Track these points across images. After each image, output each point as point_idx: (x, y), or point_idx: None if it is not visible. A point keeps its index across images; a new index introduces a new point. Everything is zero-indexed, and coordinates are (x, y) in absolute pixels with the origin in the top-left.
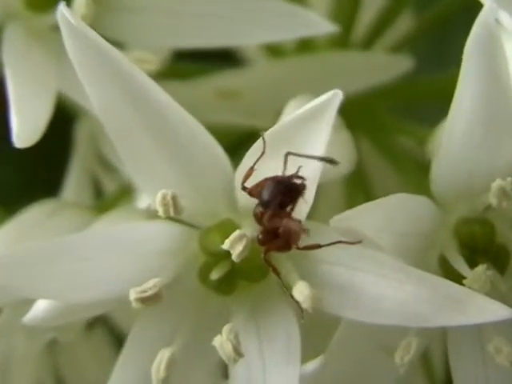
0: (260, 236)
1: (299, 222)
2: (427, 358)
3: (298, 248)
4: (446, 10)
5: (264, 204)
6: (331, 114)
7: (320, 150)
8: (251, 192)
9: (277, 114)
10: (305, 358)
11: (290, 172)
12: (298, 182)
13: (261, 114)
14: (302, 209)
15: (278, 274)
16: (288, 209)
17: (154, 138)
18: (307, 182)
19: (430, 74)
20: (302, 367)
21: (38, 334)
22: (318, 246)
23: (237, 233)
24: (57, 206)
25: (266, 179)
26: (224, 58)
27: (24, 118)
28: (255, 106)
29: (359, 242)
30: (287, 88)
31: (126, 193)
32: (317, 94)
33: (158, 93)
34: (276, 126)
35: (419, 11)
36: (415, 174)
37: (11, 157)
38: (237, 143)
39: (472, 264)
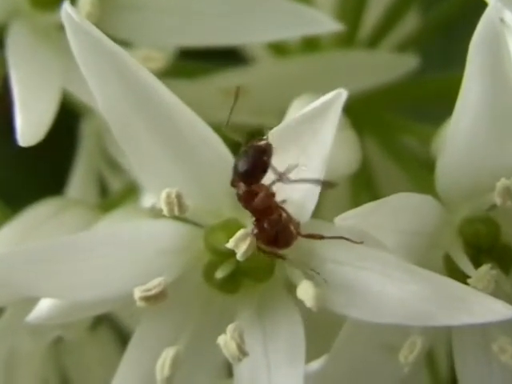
0: (255, 230)
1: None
2: (432, 356)
3: (300, 234)
4: (453, 8)
5: (240, 175)
6: (336, 113)
7: (325, 148)
8: None
9: (281, 113)
10: (309, 357)
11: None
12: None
13: (266, 112)
14: (305, 209)
15: (284, 258)
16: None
17: (158, 137)
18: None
19: (436, 72)
20: (306, 366)
21: (43, 332)
22: (321, 237)
23: (241, 232)
24: (62, 204)
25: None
26: (230, 57)
27: (28, 116)
28: (260, 104)
29: (361, 242)
30: (292, 86)
31: (131, 191)
32: (321, 93)
33: (163, 91)
34: (281, 125)
35: (425, 10)
36: (420, 172)
37: (17, 154)
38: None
39: (477, 263)
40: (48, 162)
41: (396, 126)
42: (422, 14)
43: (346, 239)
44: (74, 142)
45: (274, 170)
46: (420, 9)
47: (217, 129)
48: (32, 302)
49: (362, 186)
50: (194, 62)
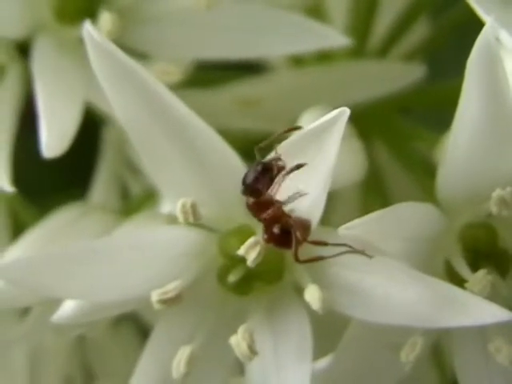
0: (265, 236)
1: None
2: (439, 356)
3: (305, 240)
4: (461, 17)
5: (246, 189)
6: (340, 128)
7: (330, 161)
8: None
9: (294, 121)
10: (316, 356)
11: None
12: (277, 162)
13: (279, 120)
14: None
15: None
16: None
17: (174, 148)
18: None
19: (445, 79)
20: (313, 364)
21: (66, 330)
22: (325, 243)
23: (251, 239)
24: (85, 210)
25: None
26: (246, 67)
27: (52, 128)
28: (274, 113)
29: (363, 251)
30: (305, 96)
31: (150, 196)
32: (333, 102)
33: (179, 105)
34: (290, 139)
35: (435, 18)
36: (428, 179)
37: (40, 160)
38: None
39: (476, 268)
40: (72, 168)
41: (406, 133)
42: (431, 22)
43: (350, 247)
44: (97, 147)
45: (276, 189)
46: (429, 17)
47: (230, 137)
48: (56, 302)
49: (373, 191)
50: (212, 72)
